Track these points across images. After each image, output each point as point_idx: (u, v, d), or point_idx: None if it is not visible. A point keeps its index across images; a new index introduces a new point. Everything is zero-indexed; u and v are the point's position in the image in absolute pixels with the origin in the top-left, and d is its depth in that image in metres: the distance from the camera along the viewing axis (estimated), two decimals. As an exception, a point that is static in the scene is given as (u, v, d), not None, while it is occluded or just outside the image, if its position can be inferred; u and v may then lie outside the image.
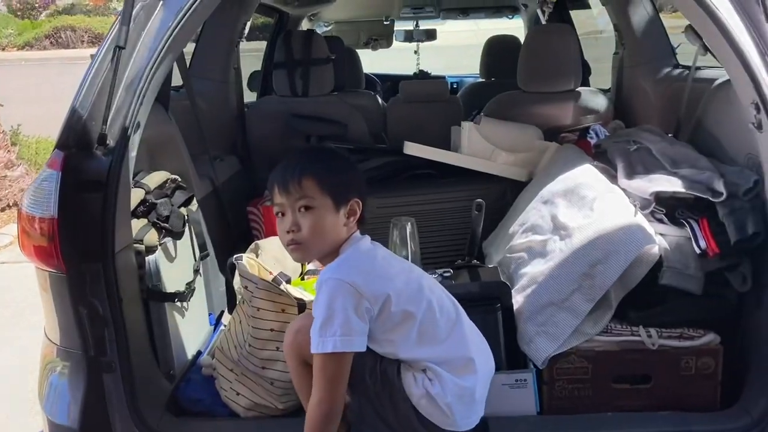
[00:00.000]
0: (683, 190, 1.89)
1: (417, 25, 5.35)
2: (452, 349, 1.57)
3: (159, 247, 2.01)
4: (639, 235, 1.83)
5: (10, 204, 6.20)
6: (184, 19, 1.80)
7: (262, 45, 4.19)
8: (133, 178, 2.08)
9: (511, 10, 5.13)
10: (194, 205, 2.32)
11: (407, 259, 2.15)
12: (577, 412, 1.86)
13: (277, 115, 3.00)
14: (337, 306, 1.44)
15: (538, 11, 4.48)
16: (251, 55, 3.97)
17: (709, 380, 1.86)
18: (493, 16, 5.24)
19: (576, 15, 4.09)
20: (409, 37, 5.35)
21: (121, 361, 1.75)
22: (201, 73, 3.02)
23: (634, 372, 1.88)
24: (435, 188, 2.76)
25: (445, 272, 2.03)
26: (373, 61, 5.16)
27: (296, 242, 1.52)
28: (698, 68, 2.49)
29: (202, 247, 2.30)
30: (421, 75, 5.17)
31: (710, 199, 1.85)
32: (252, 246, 2.43)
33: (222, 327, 2.31)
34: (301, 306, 1.90)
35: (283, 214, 1.54)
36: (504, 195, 2.69)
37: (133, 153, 1.82)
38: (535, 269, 1.98)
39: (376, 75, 5.22)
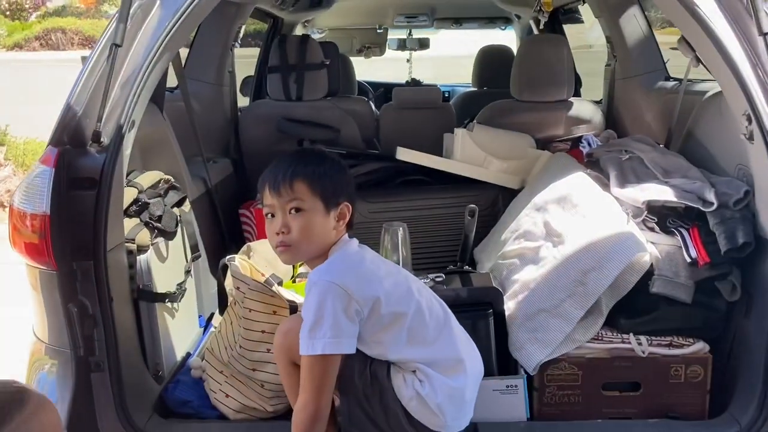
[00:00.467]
0: (674, 199, 1.90)
1: (410, 34, 5.38)
2: (442, 350, 1.58)
3: (151, 247, 2.00)
4: (631, 243, 1.84)
5: (-3, 204, 6.14)
6: (181, 19, 1.80)
7: (254, 51, 4.19)
8: (126, 177, 2.07)
9: (504, 21, 5.17)
10: (187, 206, 2.31)
11: (398, 264, 2.15)
12: (567, 419, 1.87)
13: (271, 118, 3.00)
14: (327, 308, 1.44)
15: (531, 22, 4.53)
16: (242, 61, 3.96)
17: (698, 388, 1.87)
18: (486, 27, 5.27)
19: (566, 29, 4.13)
20: (402, 45, 5.38)
21: (110, 360, 1.73)
22: (196, 75, 3.01)
23: (623, 379, 1.89)
24: (427, 194, 2.77)
25: (437, 277, 2.04)
26: (364, 70, 5.18)
27: (285, 244, 1.52)
28: (690, 81, 2.52)
29: (194, 248, 2.28)
30: (414, 83, 5.19)
31: (701, 208, 1.87)
32: (244, 248, 2.42)
33: (212, 329, 2.30)
34: (293, 308, 1.89)
35: (272, 216, 1.54)
36: (496, 202, 2.70)
37: (127, 151, 1.81)
38: (528, 276, 1.99)
39: (368, 83, 5.24)
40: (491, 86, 4.11)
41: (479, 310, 1.94)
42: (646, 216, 1.93)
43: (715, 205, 1.84)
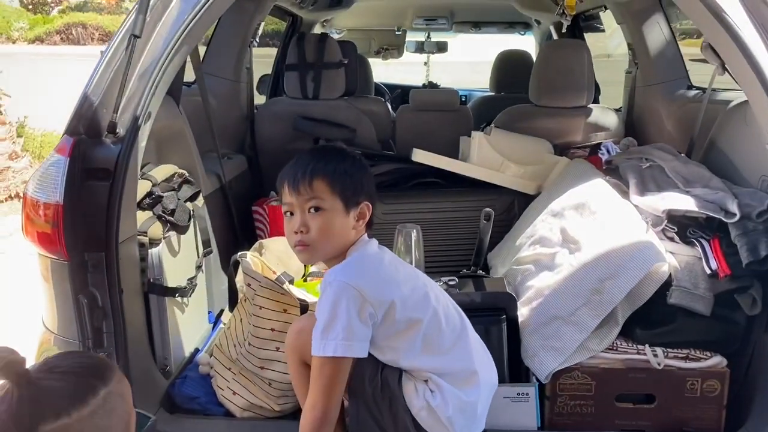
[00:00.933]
0: (696, 209, 1.86)
1: (428, 37, 5.36)
2: (456, 361, 1.53)
3: (163, 241, 1.99)
4: (649, 252, 1.80)
5: (12, 195, 6.19)
6: (200, 13, 1.78)
7: (271, 51, 4.19)
8: (141, 169, 2.06)
9: (524, 27, 5.14)
10: (200, 201, 2.30)
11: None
12: (578, 430, 1.84)
13: (287, 116, 2.98)
14: (341, 309, 1.41)
15: (551, 28, 4.49)
16: (259, 61, 3.96)
17: (714, 403, 1.83)
18: (506, 32, 5.24)
19: (585, 38, 4.09)
20: (420, 48, 5.36)
21: (118, 353, 1.71)
22: (213, 71, 3.01)
23: (638, 391, 1.85)
24: (442, 197, 2.74)
25: (450, 280, 2.00)
26: (381, 72, 5.17)
27: (304, 243, 1.49)
28: (713, 90, 2.48)
29: (206, 244, 2.27)
30: (431, 86, 5.17)
31: (723, 219, 1.83)
32: (256, 245, 2.40)
33: (221, 325, 2.28)
34: (304, 307, 1.87)
35: (291, 214, 1.51)
36: (511, 207, 2.67)
37: (142, 143, 1.80)
38: (543, 282, 1.96)
39: (385, 85, 5.23)
40: (509, 91, 4.08)
41: (492, 316, 1.91)
42: (665, 225, 1.90)
43: (737, 217, 1.80)
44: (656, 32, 3.00)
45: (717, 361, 1.83)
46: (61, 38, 16.92)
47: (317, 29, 4.39)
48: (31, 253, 1.78)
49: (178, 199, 2.08)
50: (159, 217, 2.01)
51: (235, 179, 2.75)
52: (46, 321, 1.81)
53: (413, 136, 3.02)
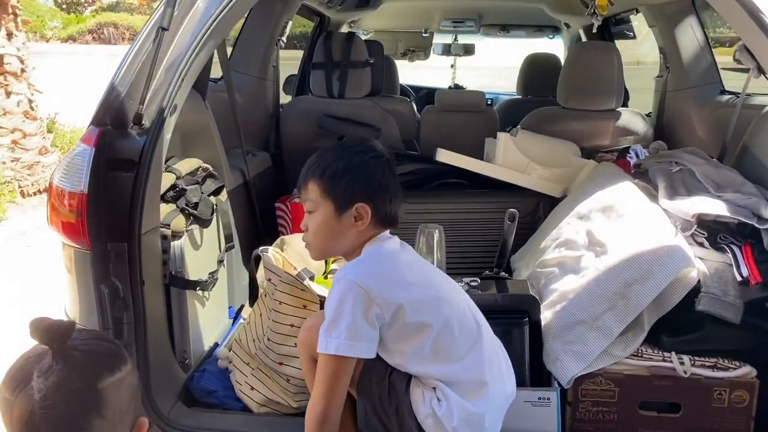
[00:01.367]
0: (727, 213, 1.82)
1: (456, 39, 5.34)
2: (466, 371, 1.47)
3: (185, 234, 1.99)
4: (678, 257, 1.76)
5: (42, 189, 6.29)
6: (227, 8, 1.79)
7: (298, 54, 4.20)
8: (165, 162, 2.07)
9: (553, 30, 5.09)
10: (223, 196, 2.30)
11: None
12: (600, 436, 1.79)
13: (312, 114, 2.98)
14: (346, 308, 1.39)
15: (581, 32, 4.44)
16: (286, 63, 3.97)
17: (742, 415, 1.77)
18: (534, 35, 5.19)
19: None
20: (447, 50, 5.33)
21: (138, 345, 1.72)
22: (240, 68, 3.02)
23: (663, 399, 1.80)
24: (465, 198, 2.71)
25: (472, 281, 1.97)
26: (406, 76, 5.14)
27: (306, 242, 1.52)
28: (747, 95, 2.42)
29: (228, 239, 2.27)
30: (456, 89, 5.14)
31: (755, 225, 1.78)
32: (278, 241, 2.39)
33: (241, 320, 2.28)
34: (324, 304, 1.86)
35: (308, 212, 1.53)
36: (536, 210, 2.63)
37: (167, 135, 1.81)
38: (567, 285, 1.92)
39: (411, 86, 5.21)
40: (536, 95, 4.04)
41: (514, 318, 1.87)
42: (695, 230, 1.85)
43: (771, 223, 1.75)
44: (689, 36, 2.94)
45: (746, 371, 1.77)
46: (93, 37, 17.25)
47: (344, 30, 4.39)
48: (58, 246, 1.80)
49: (202, 193, 2.09)
50: (182, 210, 2.01)
51: (259, 176, 2.76)
52: (68, 310, 1.82)
53: (438, 136, 3.00)
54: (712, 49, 2.98)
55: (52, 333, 0.93)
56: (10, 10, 6.27)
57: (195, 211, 2.03)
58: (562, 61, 4.12)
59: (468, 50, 5.40)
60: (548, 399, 1.80)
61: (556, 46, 5.17)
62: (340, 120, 2.95)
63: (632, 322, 1.78)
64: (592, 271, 1.88)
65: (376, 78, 3.05)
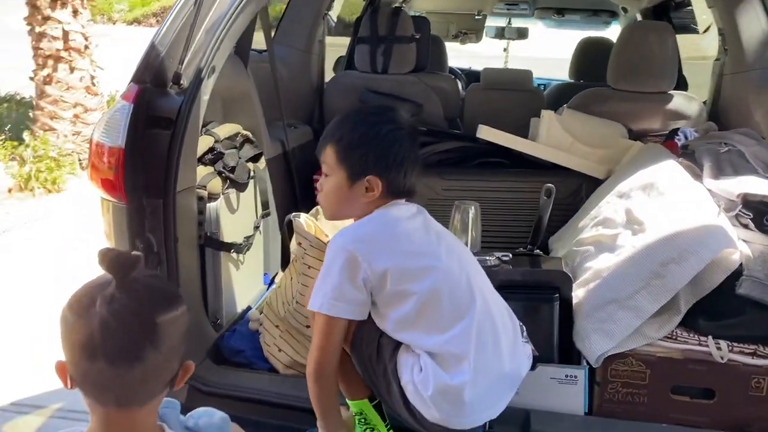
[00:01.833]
0: (776, 195, 1.73)
1: (509, 23, 5.24)
2: (449, 343, 1.42)
3: (221, 196, 2.03)
4: (719, 237, 1.69)
5: (99, 162, 6.49)
6: (269, -28, 1.80)
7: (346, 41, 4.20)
8: (205, 126, 2.11)
9: (609, 15, 4.94)
10: (262, 163, 2.33)
11: (466, 245, 2.07)
12: (628, 418, 1.75)
13: (355, 89, 2.98)
14: (334, 269, 1.42)
15: (638, 16, 4.29)
16: (340, 50, 3.97)
17: (781, 405, 1.69)
18: (590, 20, 5.05)
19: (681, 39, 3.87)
20: (500, 33, 5.25)
21: (170, 300, 1.76)
22: (286, 40, 3.05)
23: (696, 384, 1.74)
24: (505, 176, 2.67)
25: (503, 256, 1.94)
26: (455, 64, 5.06)
27: (319, 201, 1.57)
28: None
29: (265, 205, 2.31)
30: (508, 74, 5.04)
31: (806, 207, 1.69)
32: (313, 210, 2.40)
33: (274, 286, 2.31)
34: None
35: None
36: (578, 191, 2.57)
37: (205, 97, 1.84)
38: (602, 264, 1.87)
39: (460, 69, 5.15)
40: (588, 79, 3.93)
41: (545, 294, 1.84)
42: (740, 211, 1.77)
43: (822, 206, 1.66)
44: (751, 17, 2.80)
45: (788, 360, 1.69)
46: (157, 20, 17.70)
47: (395, 10, 4.37)
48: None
49: (239, 158, 2.12)
50: (219, 173, 2.05)
51: (299, 147, 2.78)
52: (106, 264, 1.88)
53: (482, 115, 2.95)
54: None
55: (119, 263, 0.98)
56: (76, -12, 6.49)
57: (232, 175, 2.06)
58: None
59: (521, 34, 5.30)
60: (575, 377, 1.76)
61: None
62: (383, 95, 2.94)
63: (668, 303, 1.72)
64: (628, 249, 1.82)
65: (421, 54, 3.02)
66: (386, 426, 1.59)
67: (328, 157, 1.50)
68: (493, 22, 5.27)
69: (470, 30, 5.11)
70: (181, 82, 1.74)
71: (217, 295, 2.04)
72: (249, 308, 2.22)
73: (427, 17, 3.41)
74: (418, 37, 2.99)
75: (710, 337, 1.72)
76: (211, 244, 1.99)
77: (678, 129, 2.48)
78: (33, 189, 5.77)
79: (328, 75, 3.41)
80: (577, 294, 1.88)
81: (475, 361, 1.41)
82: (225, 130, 2.15)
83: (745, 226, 1.76)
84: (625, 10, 4.56)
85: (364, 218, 1.49)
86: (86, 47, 6.72)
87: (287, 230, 2.04)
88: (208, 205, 1.98)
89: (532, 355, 1.56)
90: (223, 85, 2.06)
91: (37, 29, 6.48)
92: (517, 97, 3.00)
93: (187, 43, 1.73)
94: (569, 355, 1.84)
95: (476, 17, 5.07)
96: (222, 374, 1.87)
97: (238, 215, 2.14)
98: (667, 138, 2.51)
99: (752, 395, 1.70)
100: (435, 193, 2.61)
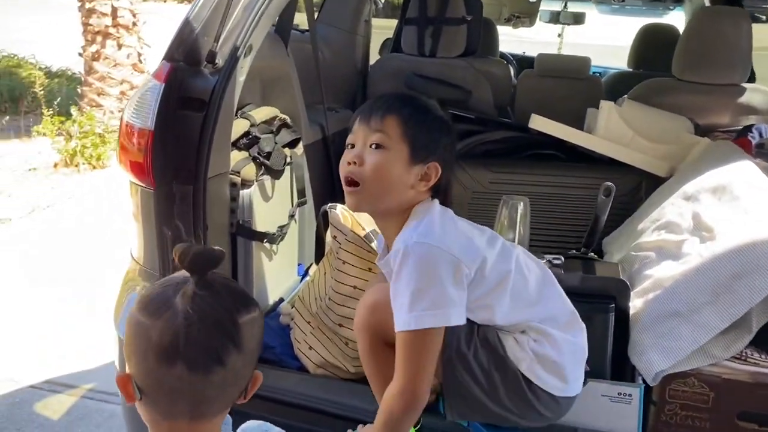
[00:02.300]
0: None
1: (565, 6, 5.00)
2: (551, 306, 1.40)
3: (255, 183, 1.93)
4: (802, 250, 1.50)
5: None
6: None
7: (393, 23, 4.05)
8: (241, 109, 2.01)
9: (673, 1, 4.65)
10: (299, 149, 2.22)
11: (514, 242, 1.93)
12: (686, 444, 1.59)
13: (400, 73, 2.84)
14: (431, 275, 1.25)
15: (706, 1, 4.01)
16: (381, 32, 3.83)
17: None
18: (651, 5, 4.77)
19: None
20: (555, 18, 5.00)
21: (198, 290, 1.67)
22: (330, 20, 2.92)
23: (766, 411, 1.57)
24: (558, 170, 2.50)
25: (554, 259, 1.79)
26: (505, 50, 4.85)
27: (353, 180, 1.30)
28: None
29: (301, 194, 2.20)
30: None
31: None
32: (351, 200, 2.30)
33: (307, 278, 2.21)
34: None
35: (352, 147, 1.34)
36: (637, 189, 2.39)
37: (241, 77, 1.73)
38: (664, 272, 1.70)
39: (512, 54, 4.94)
40: (649, 68, 3.70)
41: (599, 303, 1.68)
42: (827, 221, 1.58)
43: None
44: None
45: None
46: (207, -1, 17.84)
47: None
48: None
49: (276, 143, 2.01)
50: (254, 159, 1.95)
51: (340, 133, 2.66)
52: (133, 251, 1.81)
53: (534, 104, 2.77)
54: None
55: (202, 259, 0.91)
56: (125, -36, 6.50)
57: (267, 161, 1.95)
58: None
59: (578, 19, 5.04)
60: (629, 395, 1.61)
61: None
62: (429, 80, 2.79)
63: (737, 320, 1.55)
64: (695, 258, 1.65)
65: (472, 37, 2.85)
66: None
67: (389, 127, 1.30)
68: (547, 6, 5.04)
69: (524, 13, 4.89)
70: (216, 61, 1.63)
71: (248, 286, 1.95)
72: (281, 300, 2.12)
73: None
74: (469, 19, 2.82)
75: (786, 360, 1.55)
76: (243, 233, 1.89)
77: (752, 126, 2.27)
78: (78, 165, 5.82)
79: (374, 58, 3.27)
80: (635, 304, 1.72)
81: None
82: (262, 113, 2.05)
83: (832, 239, 1.57)
84: (691, -6, 4.28)
85: (418, 220, 1.31)
86: (134, 24, 6.74)
87: (323, 221, 1.93)
88: (241, 192, 1.88)
89: (583, 370, 1.43)
90: (262, 66, 1.95)
91: (87, 5, 6.52)
92: (573, 85, 2.81)
93: (223, 20, 1.62)
94: (623, 370, 1.69)
95: (530, 0, 4.84)
96: (249, 371, 1.77)
97: (273, 203, 2.04)
98: (738, 135, 2.30)
99: (831, 427, 1.52)
100: (481, 186, 2.46)
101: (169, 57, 1.63)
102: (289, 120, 2.15)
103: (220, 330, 0.90)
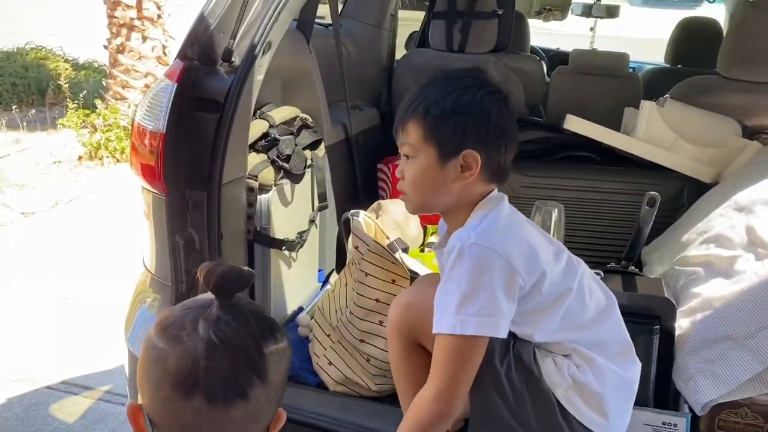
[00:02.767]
0: None
1: (598, 0, 4.81)
2: (604, 332, 1.28)
3: (274, 188, 1.83)
4: None
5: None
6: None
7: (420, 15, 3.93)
8: (260, 109, 1.91)
9: (715, -8, 4.44)
10: (321, 151, 2.11)
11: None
12: (738, 481, 1.46)
13: (427, 69, 2.67)
14: (484, 280, 1.15)
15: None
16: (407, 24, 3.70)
17: None
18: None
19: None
20: (587, 11, 4.81)
21: (213, 301, 1.58)
22: (355, 14, 2.81)
23: (828, 447, 1.43)
24: (594, 174, 2.36)
25: (594, 273, 1.66)
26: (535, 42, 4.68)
27: (402, 191, 1.29)
28: None
29: (322, 197, 2.09)
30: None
31: None
32: (374, 205, 2.19)
33: (328, 286, 2.11)
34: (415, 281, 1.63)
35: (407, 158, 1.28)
36: (679, 196, 2.24)
37: (259, 77, 1.63)
38: (714, 291, 1.57)
39: (542, 49, 4.77)
40: (688, 64, 3.52)
41: (642, 324, 1.55)
42: None
43: None
44: None
45: None
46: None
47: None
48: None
49: (296, 145, 1.91)
50: (273, 162, 1.84)
51: (364, 132, 2.55)
52: (145, 260, 1.72)
53: (568, 103, 2.63)
54: None
55: (229, 280, 0.81)
56: (149, -44, 6.44)
57: (286, 165, 1.85)
58: (723, 28, 3.57)
59: (611, 12, 4.84)
60: (675, 426, 1.48)
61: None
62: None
63: (798, 347, 1.41)
64: (750, 277, 1.51)
65: (503, 32, 2.71)
66: None
67: (410, 135, 1.22)
68: (580, -1, 4.85)
69: (555, 6, 4.70)
70: (233, 59, 1.53)
71: (266, 296, 1.85)
72: (301, 309, 2.03)
73: None
74: (500, 12, 2.68)
75: None
76: (261, 240, 1.79)
77: (807, 129, 2.11)
78: (102, 158, 5.80)
79: (400, 52, 3.15)
80: (682, 324, 1.59)
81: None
82: (282, 113, 1.94)
83: None
84: (735, -14, 4.07)
85: (479, 217, 1.21)
86: (159, 16, 6.69)
87: (344, 229, 1.83)
88: (259, 197, 1.78)
89: (629, 408, 1.31)
90: (283, 63, 1.85)
91: (112, -3, 6.47)
92: (610, 83, 2.66)
93: (240, 15, 1.51)
94: (666, 396, 1.56)
95: (562, -8, 4.66)
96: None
97: (292, 209, 1.93)
98: (792, 139, 2.15)
99: None
100: (512, 190, 2.33)
101: (182, 55, 1.53)
102: (310, 120, 2.04)
103: (245, 359, 0.81)
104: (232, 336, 0.79)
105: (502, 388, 1.25)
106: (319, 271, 2.21)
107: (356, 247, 1.68)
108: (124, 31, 6.54)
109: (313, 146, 2.03)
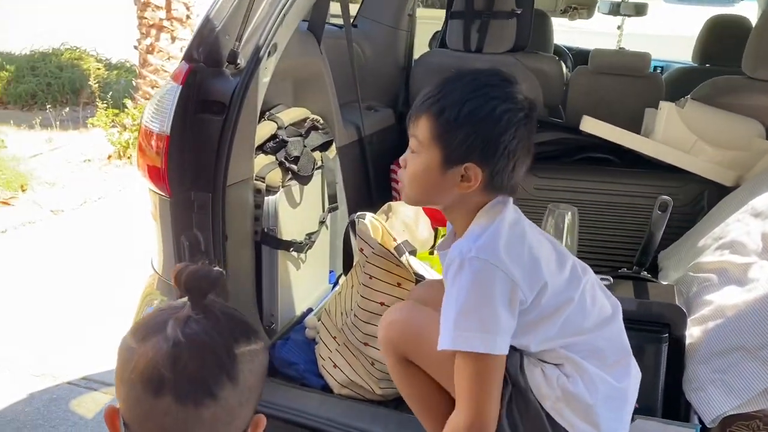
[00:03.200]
0: None
1: (626, -3, 4.71)
2: (603, 340, 1.24)
3: (281, 189, 1.83)
4: None
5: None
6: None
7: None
8: (269, 110, 1.91)
9: (747, -11, 4.32)
10: (332, 152, 2.11)
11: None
12: (749, 496, 1.41)
13: (444, 70, 2.65)
14: (485, 294, 1.12)
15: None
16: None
17: None
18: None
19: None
20: (614, 9, 4.71)
21: (219, 303, 1.59)
22: (372, 15, 2.80)
23: None
24: (610, 177, 2.31)
25: (602, 279, 1.63)
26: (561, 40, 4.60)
27: (401, 180, 1.27)
28: None
29: (333, 199, 2.09)
30: (621, 54, 4.54)
31: None
32: (384, 207, 2.18)
33: (338, 288, 2.10)
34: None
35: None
36: (699, 200, 2.18)
37: (265, 79, 1.63)
38: (727, 299, 1.52)
39: (567, 48, 4.69)
40: (716, 64, 3.43)
41: (651, 331, 1.52)
42: None
43: None
44: None
45: None
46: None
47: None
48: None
49: (304, 146, 1.91)
50: (281, 164, 1.85)
51: (378, 134, 2.53)
52: (153, 262, 1.74)
53: (588, 104, 2.58)
54: None
55: (198, 279, 0.82)
56: (178, -43, 6.53)
57: (294, 166, 1.85)
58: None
59: (639, 10, 4.74)
60: (684, 437, 1.44)
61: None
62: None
63: (813, 358, 1.36)
64: (764, 285, 1.46)
65: (521, 31, 2.67)
66: None
67: (420, 129, 1.19)
68: (607, -3, 4.76)
69: (581, 5, 4.62)
70: (238, 61, 1.53)
71: (273, 297, 1.86)
72: (310, 311, 2.03)
73: None
74: (519, 12, 2.64)
75: None
76: (268, 241, 1.80)
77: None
78: (130, 157, 5.89)
79: (423, 50, 3.12)
80: (693, 333, 1.54)
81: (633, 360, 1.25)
82: (291, 115, 1.95)
83: None
84: (767, -17, 3.95)
85: (488, 230, 1.17)
86: (188, 17, 6.77)
87: (351, 230, 1.82)
88: (266, 198, 1.78)
89: (625, 421, 1.27)
90: (294, 64, 1.85)
91: (142, -1, 6.57)
92: (630, 84, 2.59)
93: (246, 17, 1.52)
94: (675, 406, 1.52)
95: (588, -10, 4.59)
96: (270, 389, 1.68)
97: (300, 210, 1.93)
98: (818, 142, 2.07)
99: None
100: (525, 192, 2.30)
101: (188, 57, 1.54)
102: (320, 121, 2.04)
103: (214, 359, 0.80)
104: (201, 335, 0.79)
105: None
106: (330, 272, 2.21)
107: (361, 250, 1.68)
108: (153, 31, 6.64)
109: (323, 147, 2.03)
